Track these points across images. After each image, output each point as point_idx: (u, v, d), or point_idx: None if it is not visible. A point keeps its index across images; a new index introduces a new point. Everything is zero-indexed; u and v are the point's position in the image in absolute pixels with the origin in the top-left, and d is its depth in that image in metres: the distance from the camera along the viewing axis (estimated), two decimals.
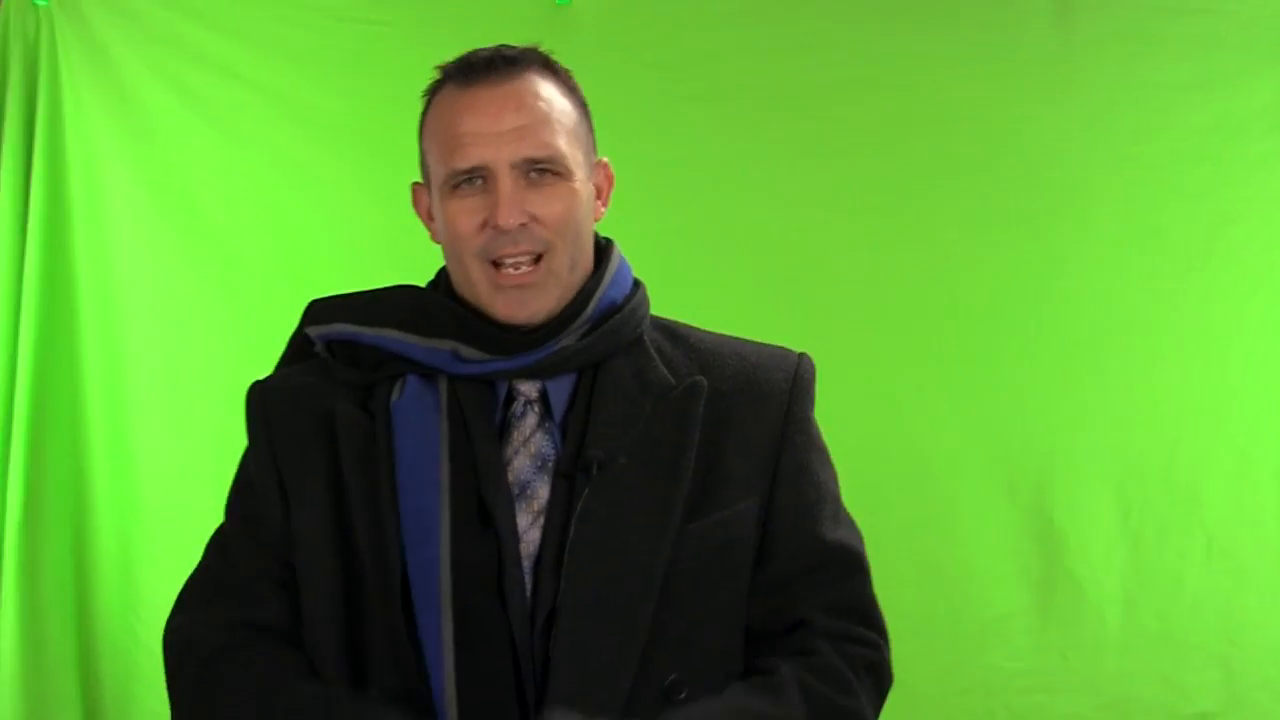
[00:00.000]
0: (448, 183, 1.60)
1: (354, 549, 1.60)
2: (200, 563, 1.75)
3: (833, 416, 2.76)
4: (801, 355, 1.74)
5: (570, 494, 1.59)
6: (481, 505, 1.57)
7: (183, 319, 2.99)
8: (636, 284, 1.70)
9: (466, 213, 1.59)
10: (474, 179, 1.58)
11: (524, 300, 1.60)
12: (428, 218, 1.71)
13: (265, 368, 2.83)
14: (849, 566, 1.68)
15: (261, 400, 1.71)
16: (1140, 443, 2.99)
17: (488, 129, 1.57)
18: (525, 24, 2.75)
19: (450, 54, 2.91)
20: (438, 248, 1.70)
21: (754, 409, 1.67)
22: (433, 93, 1.66)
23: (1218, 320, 2.98)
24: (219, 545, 1.74)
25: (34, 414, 2.92)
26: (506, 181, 1.58)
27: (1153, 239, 2.98)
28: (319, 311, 1.74)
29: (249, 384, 1.75)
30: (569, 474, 1.60)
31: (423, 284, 1.76)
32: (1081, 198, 2.97)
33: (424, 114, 1.68)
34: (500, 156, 1.57)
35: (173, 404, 3.02)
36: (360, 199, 3.01)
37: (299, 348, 1.78)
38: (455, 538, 1.56)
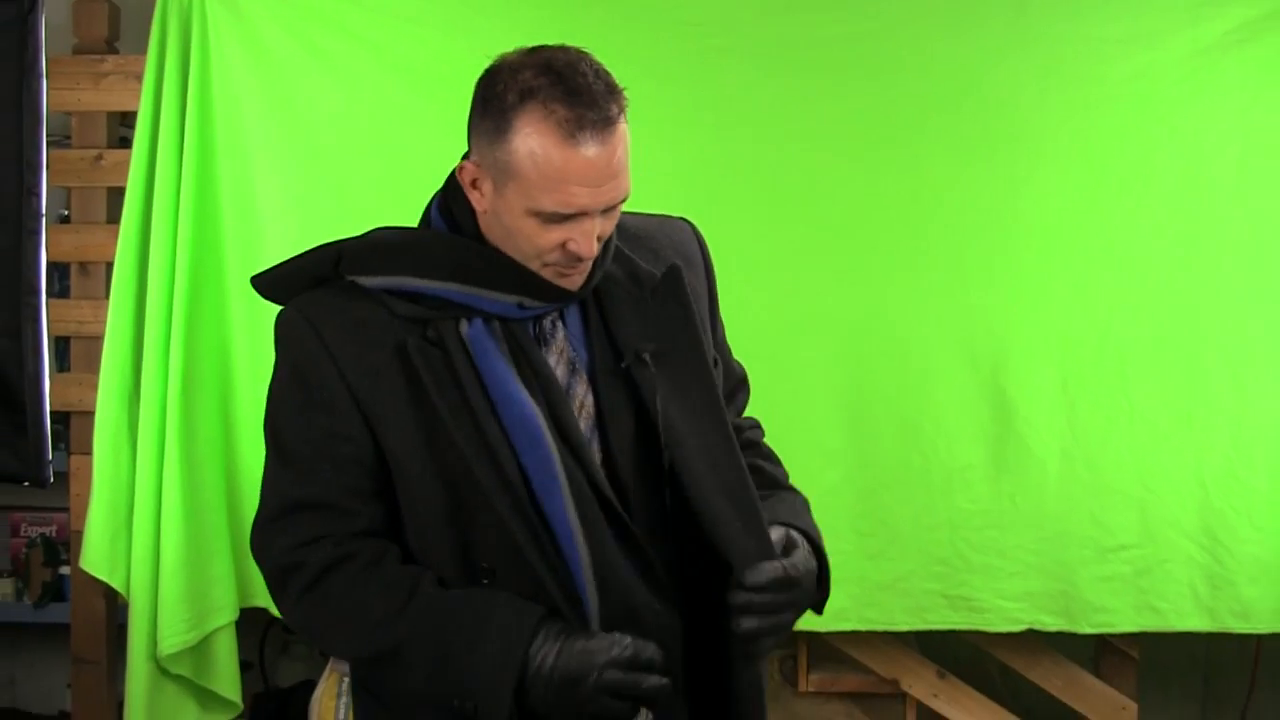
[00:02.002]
0: (537, 212, 1.63)
1: (451, 462, 1.66)
2: (277, 479, 1.75)
3: (834, 309, 3.12)
4: (687, 220, 1.94)
5: (623, 389, 1.72)
6: (552, 413, 1.68)
7: (306, 228, 3.17)
8: None
9: (548, 235, 1.64)
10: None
11: (577, 281, 1.71)
12: (472, 188, 1.70)
13: None
14: (747, 387, 2.02)
15: (314, 329, 1.71)
16: (1077, 329, 3.24)
17: (591, 187, 1.61)
18: None
19: (527, 19, 3.17)
20: None
21: (695, 276, 1.85)
22: (520, 99, 1.60)
23: (1142, 232, 3.22)
24: (297, 462, 1.72)
25: (190, 301, 3.21)
26: (594, 223, 1.65)
27: (1091, 167, 3.22)
28: (363, 258, 1.74)
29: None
30: (616, 371, 1.73)
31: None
32: (1034, 133, 3.22)
33: (509, 120, 1.62)
34: (595, 206, 1.63)
35: None
36: (449, 137, 3.22)
37: (315, 276, 1.78)
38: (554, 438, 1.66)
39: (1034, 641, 3.50)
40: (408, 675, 1.69)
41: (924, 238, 3.29)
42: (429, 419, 1.67)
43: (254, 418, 3.12)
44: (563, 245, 1.65)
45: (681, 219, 1.95)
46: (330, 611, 1.72)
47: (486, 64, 1.72)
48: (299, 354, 1.72)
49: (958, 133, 3.26)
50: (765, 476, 1.90)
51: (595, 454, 1.72)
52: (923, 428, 3.28)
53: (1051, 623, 3.36)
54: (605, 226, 1.69)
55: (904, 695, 3.62)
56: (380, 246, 1.75)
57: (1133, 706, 3.54)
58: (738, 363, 2.01)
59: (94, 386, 3.31)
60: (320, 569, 1.69)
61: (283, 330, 1.75)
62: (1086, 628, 3.37)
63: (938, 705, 3.58)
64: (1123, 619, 3.35)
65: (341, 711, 3.70)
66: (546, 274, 1.69)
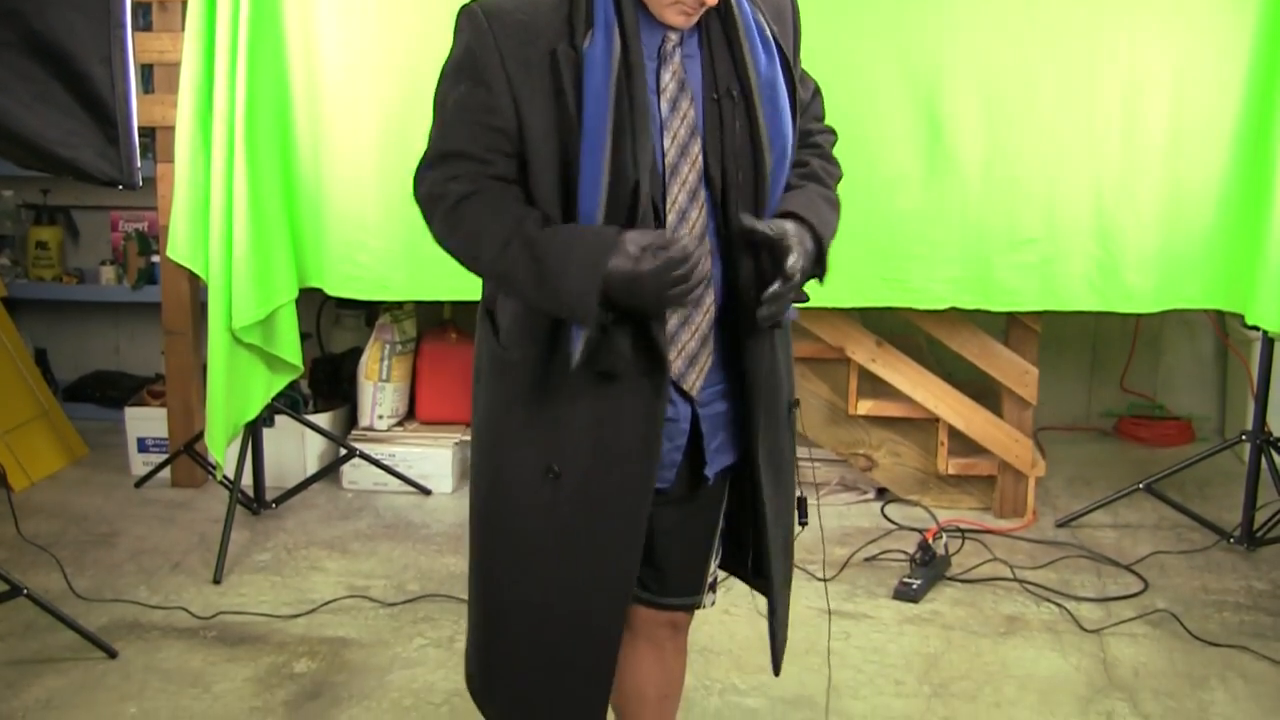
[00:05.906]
0: None
1: (567, 144, 1.94)
2: (436, 134, 2.00)
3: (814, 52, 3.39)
4: None
5: (716, 112, 2.00)
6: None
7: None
8: None
9: None
10: None
11: (693, 20, 1.97)
12: None
13: (412, 42, 3.52)
14: (820, 95, 2.29)
15: (488, 22, 1.94)
16: (997, 57, 3.62)
17: None
18: None
19: None
20: None
21: (784, 32, 2.10)
22: None
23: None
24: (453, 121, 1.98)
25: (254, 32, 3.59)
26: None
27: None
28: None
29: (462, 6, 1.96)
30: (710, 98, 2.01)
31: None
32: None
33: None
34: None
35: (348, 79, 3.71)
36: None
37: None
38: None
39: (955, 317, 3.96)
40: (518, 291, 2.00)
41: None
42: (559, 110, 1.93)
43: (309, 131, 3.80)
44: None
45: None
46: (463, 234, 1.98)
47: None
48: (473, 38, 1.95)
49: None
50: (810, 169, 2.18)
51: (698, 155, 2.00)
52: (869, 140, 3.64)
53: (970, 301, 3.80)
54: None
55: (848, 360, 4.12)
56: None
57: (1034, 371, 4.03)
58: (811, 79, 2.29)
59: (174, 105, 3.68)
60: (457, 198, 1.96)
61: (464, 20, 1.97)
62: (999, 306, 3.82)
63: (875, 368, 4.09)
64: (1029, 299, 3.79)
65: (384, 371, 4.37)
66: (674, 11, 1.94)
